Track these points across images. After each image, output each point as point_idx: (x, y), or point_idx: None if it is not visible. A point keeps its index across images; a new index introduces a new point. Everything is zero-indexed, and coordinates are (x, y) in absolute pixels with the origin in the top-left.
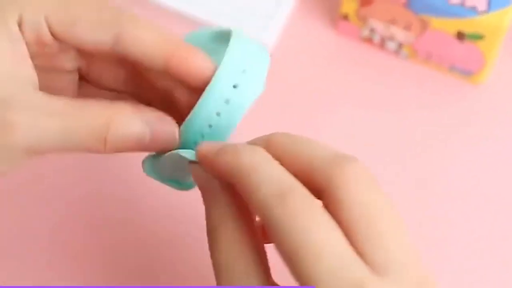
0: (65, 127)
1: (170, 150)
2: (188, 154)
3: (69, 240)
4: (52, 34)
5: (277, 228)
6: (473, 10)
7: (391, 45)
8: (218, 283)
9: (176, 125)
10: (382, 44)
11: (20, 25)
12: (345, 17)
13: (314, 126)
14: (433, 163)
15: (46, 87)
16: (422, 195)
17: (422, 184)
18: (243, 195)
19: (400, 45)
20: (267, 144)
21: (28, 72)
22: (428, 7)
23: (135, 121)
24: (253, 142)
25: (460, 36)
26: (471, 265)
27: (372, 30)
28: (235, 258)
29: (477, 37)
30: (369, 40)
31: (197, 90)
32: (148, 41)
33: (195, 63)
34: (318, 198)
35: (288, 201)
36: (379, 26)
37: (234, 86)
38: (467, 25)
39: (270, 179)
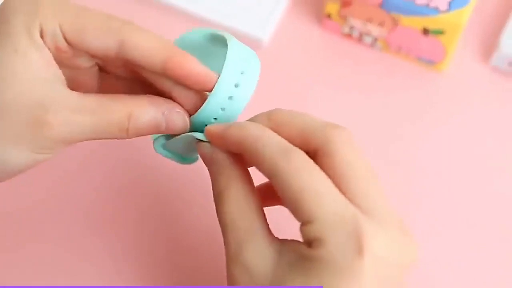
0: (94, 122)
1: (181, 133)
2: (199, 135)
3: (107, 205)
4: (66, 41)
5: (284, 179)
6: (436, 9)
7: (368, 39)
8: (225, 240)
9: (187, 114)
10: (360, 39)
11: (41, 34)
12: (329, 16)
13: (303, 107)
14: (403, 139)
15: (71, 83)
16: (393, 168)
17: (393, 158)
18: (251, 159)
19: (375, 39)
20: (269, 117)
21: (56, 74)
22: (398, 7)
23: (151, 113)
24: (255, 117)
25: (425, 31)
26: (439, 237)
27: (352, 27)
28: (240, 215)
29: (439, 32)
30: (349, 35)
31: (191, 88)
32: (147, 47)
33: (188, 66)
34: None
35: (291, 157)
36: (357, 24)
37: (236, 86)
38: (431, 22)
39: (274, 142)
